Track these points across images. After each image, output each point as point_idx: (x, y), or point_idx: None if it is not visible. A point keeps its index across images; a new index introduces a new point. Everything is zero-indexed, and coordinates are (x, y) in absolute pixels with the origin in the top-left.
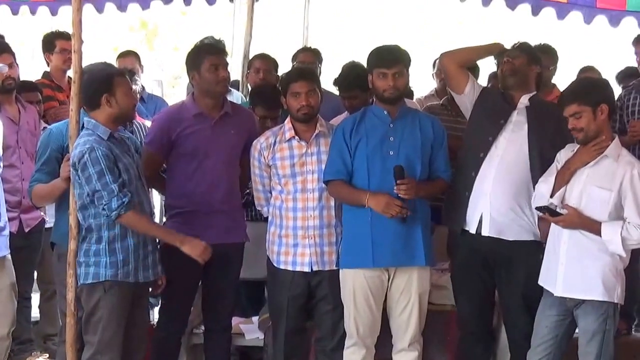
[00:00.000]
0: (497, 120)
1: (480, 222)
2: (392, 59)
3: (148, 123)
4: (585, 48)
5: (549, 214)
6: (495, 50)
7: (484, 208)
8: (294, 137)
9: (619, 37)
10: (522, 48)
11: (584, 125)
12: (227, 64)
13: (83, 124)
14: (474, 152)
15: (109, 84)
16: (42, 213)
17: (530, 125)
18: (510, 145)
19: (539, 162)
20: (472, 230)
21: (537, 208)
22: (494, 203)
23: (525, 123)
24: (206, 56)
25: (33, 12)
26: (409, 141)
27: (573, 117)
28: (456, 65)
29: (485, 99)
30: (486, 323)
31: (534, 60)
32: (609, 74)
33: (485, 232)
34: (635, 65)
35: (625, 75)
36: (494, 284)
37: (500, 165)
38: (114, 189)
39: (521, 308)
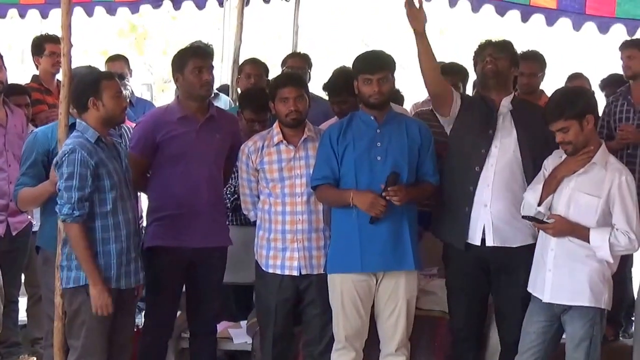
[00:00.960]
0: (485, 130)
1: (483, 232)
2: (376, 64)
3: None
4: (574, 55)
5: (536, 222)
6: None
7: (486, 219)
8: (282, 141)
9: (608, 44)
10: (506, 48)
11: (572, 138)
12: (211, 67)
13: (73, 124)
14: (468, 166)
15: (96, 87)
16: (29, 217)
17: (518, 130)
18: (502, 153)
19: (532, 165)
20: (477, 243)
21: (523, 217)
22: (494, 213)
23: (512, 128)
24: (190, 59)
25: (22, 15)
26: (397, 146)
27: (560, 132)
28: (434, 85)
29: (467, 110)
30: (479, 329)
31: (515, 62)
32: (598, 80)
33: (489, 243)
34: (620, 72)
35: (609, 82)
36: (489, 290)
37: (496, 176)
38: (73, 196)
39: (519, 312)
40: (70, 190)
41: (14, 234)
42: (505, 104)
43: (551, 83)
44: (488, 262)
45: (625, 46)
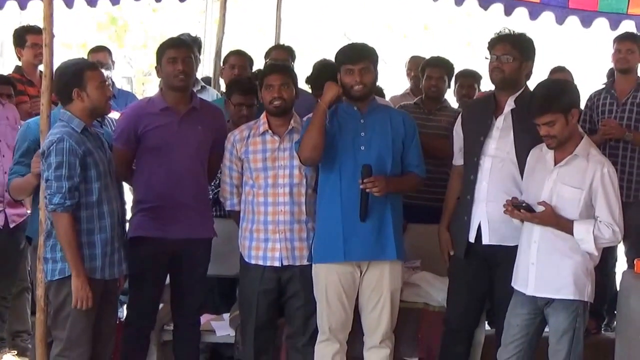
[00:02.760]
0: (477, 137)
1: (479, 230)
2: (358, 55)
3: (117, 115)
4: (557, 49)
5: (524, 210)
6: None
7: (482, 217)
8: (267, 130)
9: (590, 38)
10: (515, 44)
11: (557, 132)
12: (187, 57)
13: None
14: (469, 157)
15: (80, 78)
16: (28, 211)
17: (516, 129)
18: (499, 153)
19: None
20: (472, 239)
21: (514, 205)
22: (490, 212)
23: (510, 130)
24: (166, 49)
25: (0, 6)
26: (380, 136)
27: (546, 125)
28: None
29: (468, 116)
30: (472, 323)
31: (527, 56)
32: (581, 74)
33: (485, 241)
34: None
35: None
36: (488, 285)
37: (492, 174)
38: (64, 186)
39: None
40: (61, 180)
41: (11, 226)
42: (510, 102)
43: (534, 76)
44: (486, 258)
45: (623, 38)
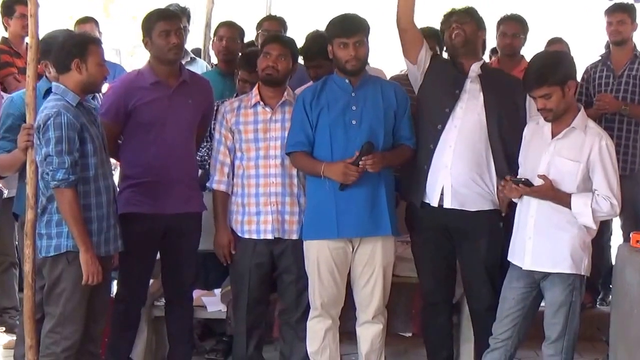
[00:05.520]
0: (452, 90)
1: (441, 194)
2: (352, 27)
3: (106, 87)
4: (554, 19)
5: (523, 185)
6: None
7: (445, 180)
8: (259, 102)
9: (588, 6)
10: (470, 14)
11: (553, 105)
12: (179, 29)
13: (47, 90)
14: (430, 124)
15: (83, 49)
16: (5, 190)
17: (486, 93)
18: (467, 115)
19: (497, 130)
20: (434, 204)
21: (512, 180)
22: (454, 175)
23: (480, 92)
24: (157, 22)
25: None
26: (372, 109)
27: (543, 98)
28: (405, 21)
29: (436, 69)
30: (448, 293)
31: (481, 26)
32: (579, 45)
33: (447, 205)
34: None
35: None
36: (454, 254)
37: (459, 137)
38: (66, 161)
39: (483, 279)
40: (62, 155)
41: None
42: (475, 68)
43: (531, 49)
44: (446, 225)
45: (613, 10)
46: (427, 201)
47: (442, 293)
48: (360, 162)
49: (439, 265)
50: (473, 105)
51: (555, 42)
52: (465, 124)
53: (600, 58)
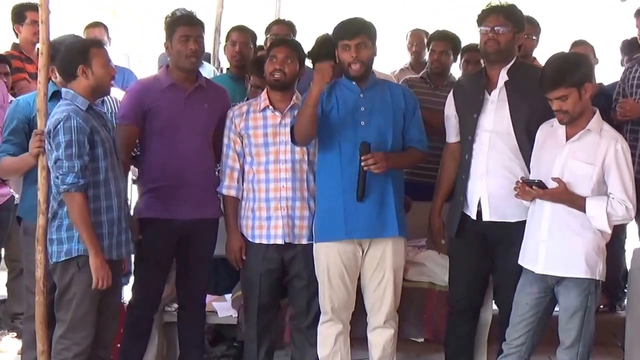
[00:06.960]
0: (476, 104)
1: (479, 206)
2: (353, 29)
3: (116, 91)
4: (581, 22)
5: (537, 186)
6: None
7: (482, 193)
8: (268, 106)
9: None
10: (509, 15)
11: (569, 107)
12: (200, 36)
13: (54, 93)
14: (463, 136)
15: (85, 54)
16: (11, 190)
17: (511, 101)
18: (496, 126)
19: (526, 138)
20: (473, 216)
21: (526, 182)
22: (490, 187)
23: (505, 101)
24: (179, 27)
25: None
26: (380, 111)
27: (559, 100)
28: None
29: (460, 93)
30: (477, 302)
31: (520, 27)
32: (606, 48)
33: (486, 217)
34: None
35: (630, 46)
36: (490, 264)
37: (490, 149)
38: (76, 165)
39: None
40: (72, 159)
41: None
42: (503, 75)
43: (550, 50)
44: (486, 235)
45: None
46: (467, 212)
47: (471, 301)
48: (362, 163)
49: (473, 273)
50: (500, 116)
51: (579, 44)
52: (494, 135)
53: (635, 58)
